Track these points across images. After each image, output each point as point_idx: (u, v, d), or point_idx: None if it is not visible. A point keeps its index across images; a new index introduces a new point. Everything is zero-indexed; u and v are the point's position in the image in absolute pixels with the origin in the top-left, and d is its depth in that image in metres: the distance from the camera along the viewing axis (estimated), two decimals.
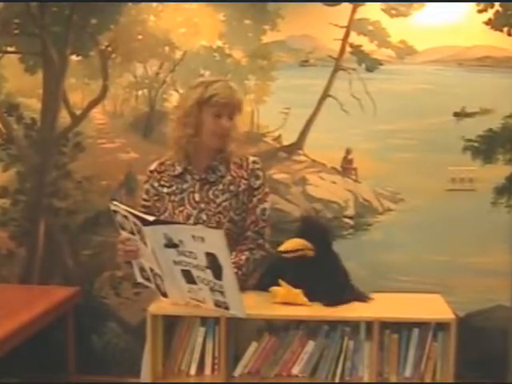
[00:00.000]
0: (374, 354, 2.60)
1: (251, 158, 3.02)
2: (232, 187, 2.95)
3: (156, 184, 3.01)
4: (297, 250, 2.75)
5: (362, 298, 2.79)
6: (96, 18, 4.48)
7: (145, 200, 3.05)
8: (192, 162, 2.98)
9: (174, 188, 2.98)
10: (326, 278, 2.74)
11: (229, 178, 2.96)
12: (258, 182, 2.99)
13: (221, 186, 2.95)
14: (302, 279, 2.70)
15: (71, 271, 4.66)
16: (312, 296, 2.70)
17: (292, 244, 2.76)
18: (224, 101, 2.88)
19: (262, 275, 2.94)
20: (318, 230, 2.84)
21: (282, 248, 2.77)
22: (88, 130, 4.59)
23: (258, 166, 3.01)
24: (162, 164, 3.04)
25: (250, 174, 2.98)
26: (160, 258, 2.60)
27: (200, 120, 2.91)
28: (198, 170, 2.97)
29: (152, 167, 3.05)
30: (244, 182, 2.97)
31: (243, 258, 2.91)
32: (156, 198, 3.01)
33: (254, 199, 2.98)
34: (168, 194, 2.98)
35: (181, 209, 2.94)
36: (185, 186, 2.97)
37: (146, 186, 3.05)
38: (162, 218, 2.93)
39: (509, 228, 4.33)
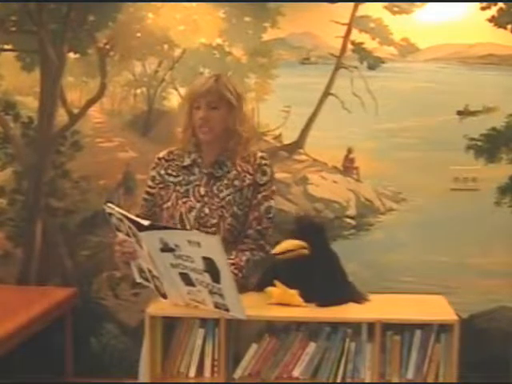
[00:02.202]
0: (376, 355, 2.57)
1: (259, 154, 2.98)
2: (236, 182, 2.92)
3: (163, 172, 2.99)
4: (290, 251, 2.71)
5: (359, 298, 2.76)
6: (94, 16, 4.46)
7: (150, 187, 3.03)
8: (202, 155, 2.96)
9: (180, 178, 2.95)
10: (320, 278, 2.71)
11: (234, 172, 2.92)
12: (265, 178, 2.95)
13: (225, 181, 2.92)
14: (297, 279, 2.68)
15: (69, 272, 4.64)
16: (307, 297, 2.67)
17: (285, 245, 2.73)
18: (196, 91, 2.88)
19: (262, 276, 2.90)
20: (312, 229, 2.80)
21: (275, 250, 2.74)
22: (86, 129, 4.57)
23: (265, 161, 2.97)
24: (171, 153, 3.02)
25: (257, 169, 2.93)
26: (157, 262, 2.59)
27: (190, 115, 2.91)
28: (206, 164, 2.95)
29: (161, 154, 3.03)
30: (249, 176, 2.92)
31: (244, 258, 2.87)
32: (161, 185, 2.98)
33: (259, 196, 2.93)
34: (174, 183, 2.96)
35: (184, 200, 2.92)
36: (192, 178, 2.95)
37: (153, 172, 3.02)
38: (164, 207, 2.94)
39: None
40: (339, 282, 2.77)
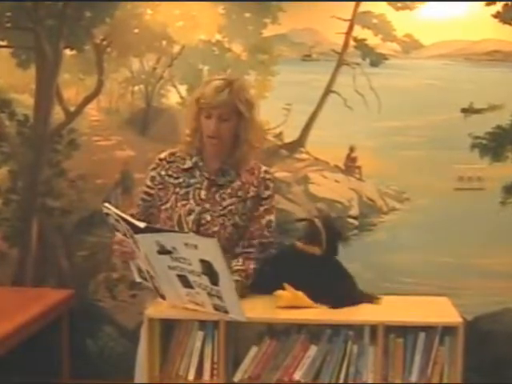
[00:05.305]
0: (379, 358, 2.57)
1: (263, 168, 3.02)
2: (240, 193, 2.94)
3: (163, 173, 2.98)
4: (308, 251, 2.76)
5: (371, 298, 2.78)
6: (91, 11, 4.43)
7: (148, 187, 3.02)
8: (204, 159, 2.96)
9: (180, 180, 2.96)
10: (331, 279, 2.73)
11: (238, 183, 2.95)
12: (267, 193, 2.98)
13: (229, 190, 2.93)
14: (304, 280, 2.68)
15: (65, 273, 4.62)
16: (316, 298, 2.68)
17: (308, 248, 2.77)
18: (208, 102, 2.83)
19: (258, 277, 2.90)
20: (333, 231, 2.82)
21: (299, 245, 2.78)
22: (82, 127, 4.55)
23: (269, 176, 3.01)
24: (172, 154, 3.02)
25: (261, 182, 2.97)
26: (154, 264, 2.58)
27: (198, 120, 2.90)
28: (209, 169, 2.95)
29: (162, 155, 3.03)
30: (253, 188, 2.95)
31: (251, 267, 2.89)
32: (161, 186, 2.98)
33: (261, 208, 2.97)
34: (174, 185, 2.96)
35: (184, 202, 2.92)
36: (192, 181, 2.95)
37: (153, 173, 3.01)
38: (162, 208, 2.95)
39: None
40: (351, 283, 2.81)
